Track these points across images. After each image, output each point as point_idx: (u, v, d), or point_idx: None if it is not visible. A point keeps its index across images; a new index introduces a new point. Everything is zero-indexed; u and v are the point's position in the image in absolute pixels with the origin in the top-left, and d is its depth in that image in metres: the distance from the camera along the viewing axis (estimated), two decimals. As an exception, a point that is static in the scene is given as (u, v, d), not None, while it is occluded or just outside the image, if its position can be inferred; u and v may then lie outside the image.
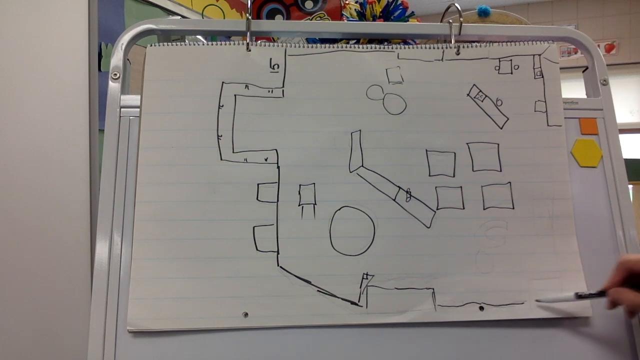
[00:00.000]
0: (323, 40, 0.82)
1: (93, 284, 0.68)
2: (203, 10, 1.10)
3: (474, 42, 0.80)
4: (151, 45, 0.76)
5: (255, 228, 0.71)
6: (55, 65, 1.70)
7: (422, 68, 0.78)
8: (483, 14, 0.92)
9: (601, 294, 0.66)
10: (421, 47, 0.79)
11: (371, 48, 0.78)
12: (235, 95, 0.75)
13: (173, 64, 0.75)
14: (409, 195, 0.73)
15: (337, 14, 0.88)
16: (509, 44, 0.79)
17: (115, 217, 0.71)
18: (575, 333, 0.70)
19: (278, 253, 0.70)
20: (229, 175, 0.72)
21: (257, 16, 0.89)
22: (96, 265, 0.69)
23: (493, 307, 0.70)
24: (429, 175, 0.74)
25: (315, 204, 0.72)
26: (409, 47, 0.79)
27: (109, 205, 0.71)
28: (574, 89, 0.86)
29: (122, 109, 0.75)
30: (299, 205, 0.72)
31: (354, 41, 0.84)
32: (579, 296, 0.68)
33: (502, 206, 0.74)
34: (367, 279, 0.70)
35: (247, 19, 0.77)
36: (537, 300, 0.70)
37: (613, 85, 0.80)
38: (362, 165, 0.74)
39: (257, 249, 0.70)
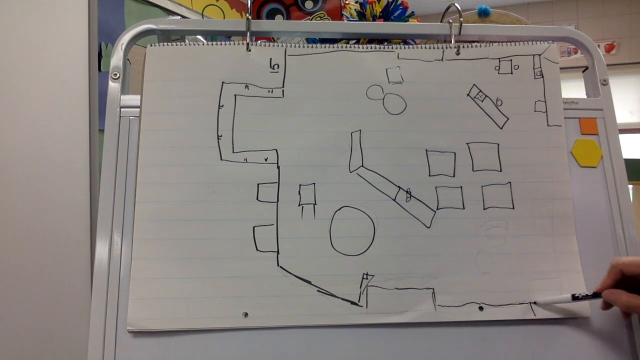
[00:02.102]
0: (323, 40, 0.82)
1: (93, 284, 0.68)
2: (203, 10, 1.10)
3: (474, 42, 0.80)
4: (151, 45, 0.76)
5: (255, 228, 0.71)
6: (55, 65, 1.70)
7: (422, 68, 0.78)
8: (483, 14, 0.92)
9: (596, 295, 0.66)
10: (421, 47, 0.79)
11: (371, 48, 0.78)
12: (235, 95, 0.75)
13: (173, 64, 0.75)
14: (409, 195, 0.73)
15: (337, 14, 0.88)
16: (509, 44, 0.79)
17: (115, 217, 0.71)
18: (575, 333, 0.70)
19: (278, 253, 0.70)
20: (229, 175, 0.72)
21: (257, 16, 0.89)
22: (96, 265, 0.69)
23: (493, 307, 0.70)
24: (429, 175, 0.74)
25: (315, 204, 0.72)
26: (409, 47, 0.79)
27: (109, 205, 0.71)
28: (574, 89, 0.86)
29: (122, 109, 0.75)
30: (299, 205, 0.72)
31: (354, 41, 0.84)
32: (575, 298, 0.68)
33: (502, 206, 0.74)
34: (367, 279, 0.70)
35: (247, 19, 0.77)
36: (534, 303, 0.70)
37: (613, 85, 0.80)
38: (362, 165, 0.74)
39: (257, 249, 0.70)
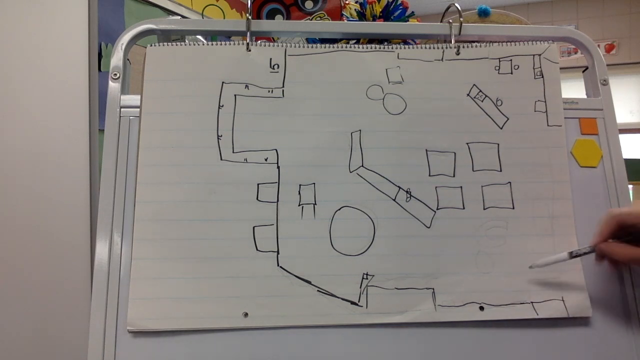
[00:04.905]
0: (323, 40, 0.82)
1: (93, 284, 0.68)
2: (203, 10, 1.10)
3: (474, 42, 0.80)
4: (151, 45, 0.76)
5: (255, 228, 0.71)
6: (55, 65, 1.70)
7: (422, 68, 0.78)
8: (483, 14, 0.92)
9: (593, 250, 0.67)
10: (421, 47, 0.79)
11: (371, 48, 0.78)
12: (235, 95, 0.75)
13: (173, 64, 0.75)
14: (409, 195, 0.73)
15: (337, 14, 0.88)
16: (509, 44, 0.79)
17: (115, 217, 0.71)
18: (576, 333, 0.70)
19: (278, 253, 0.70)
20: (229, 175, 0.72)
21: (257, 16, 0.89)
22: (96, 265, 0.69)
23: (493, 307, 0.70)
24: (429, 175, 0.74)
25: (315, 204, 0.72)
26: (409, 47, 0.79)
27: (109, 205, 0.71)
28: (574, 89, 0.86)
29: (122, 109, 0.75)
30: (299, 205, 0.72)
31: (354, 41, 0.84)
32: (572, 255, 0.68)
33: (502, 206, 0.74)
34: (367, 279, 0.70)
35: (247, 19, 0.77)
36: (530, 267, 0.71)
37: (613, 85, 0.80)
38: (362, 165, 0.74)
39: (257, 249, 0.70)
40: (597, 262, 0.68)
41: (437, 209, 0.73)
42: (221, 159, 0.73)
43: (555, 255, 0.70)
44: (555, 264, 0.70)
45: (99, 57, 1.88)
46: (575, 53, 4.04)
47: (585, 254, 0.68)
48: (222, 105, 0.74)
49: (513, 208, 0.74)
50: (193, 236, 0.70)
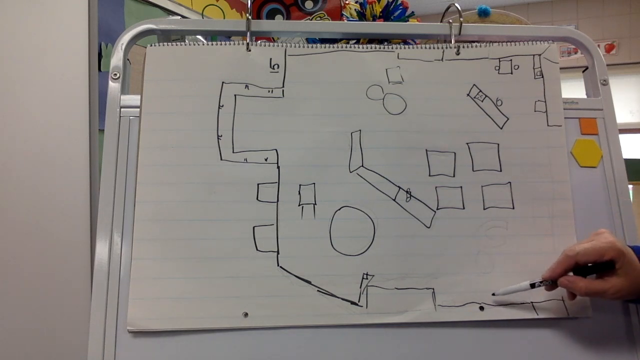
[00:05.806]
0: (323, 40, 0.82)
1: (93, 284, 0.68)
2: (203, 10, 1.10)
3: (474, 42, 0.80)
4: (151, 45, 0.76)
5: (255, 228, 0.71)
6: (55, 65, 1.70)
7: (422, 68, 0.78)
8: (483, 14, 0.92)
9: (554, 282, 0.67)
10: (421, 47, 0.79)
11: (371, 48, 0.78)
12: (235, 95, 0.75)
13: (173, 64, 0.75)
14: (409, 195, 0.73)
15: (337, 14, 0.88)
16: (509, 44, 0.79)
17: (115, 217, 0.71)
18: (575, 333, 0.70)
19: (278, 253, 0.70)
20: (229, 175, 0.72)
21: (257, 16, 0.89)
22: (96, 265, 0.69)
23: (493, 307, 0.70)
24: (429, 175, 0.74)
25: (315, 204, 0.72)
26: (409, 47, 0.79)
27: (109, 205, 0.71)
28: (574, 89, 0.86)
29: (122, 109, 0.75)
30: (299, 205, 0.72)
31: (354, 41, 0.84)
32: (532, 285, 0.68)
33: (502, 206, 0.74)
34: (367, 279, 0.70)
35: (247, 19, 0.77)
36: (492, 295, 0.70)
37: (613, 85, 0.80)
38: (362, 165, 0.74)
39: (257, 249, 0.70)
40: (570, 299, 0.68)
41: (437, 209, 0.73)
42: (221, 159, 0.73)
43: (517, 285, 0.69)
44: (516, 292, 0.70)
45: (99, 57, 1.88)
46: (575, 53, 4.04)
47: (544, 284, 0.67)
48: (222, 105, 0.74)
49: (513, 208, 0.74)
50: (193, 236, 0.70)
